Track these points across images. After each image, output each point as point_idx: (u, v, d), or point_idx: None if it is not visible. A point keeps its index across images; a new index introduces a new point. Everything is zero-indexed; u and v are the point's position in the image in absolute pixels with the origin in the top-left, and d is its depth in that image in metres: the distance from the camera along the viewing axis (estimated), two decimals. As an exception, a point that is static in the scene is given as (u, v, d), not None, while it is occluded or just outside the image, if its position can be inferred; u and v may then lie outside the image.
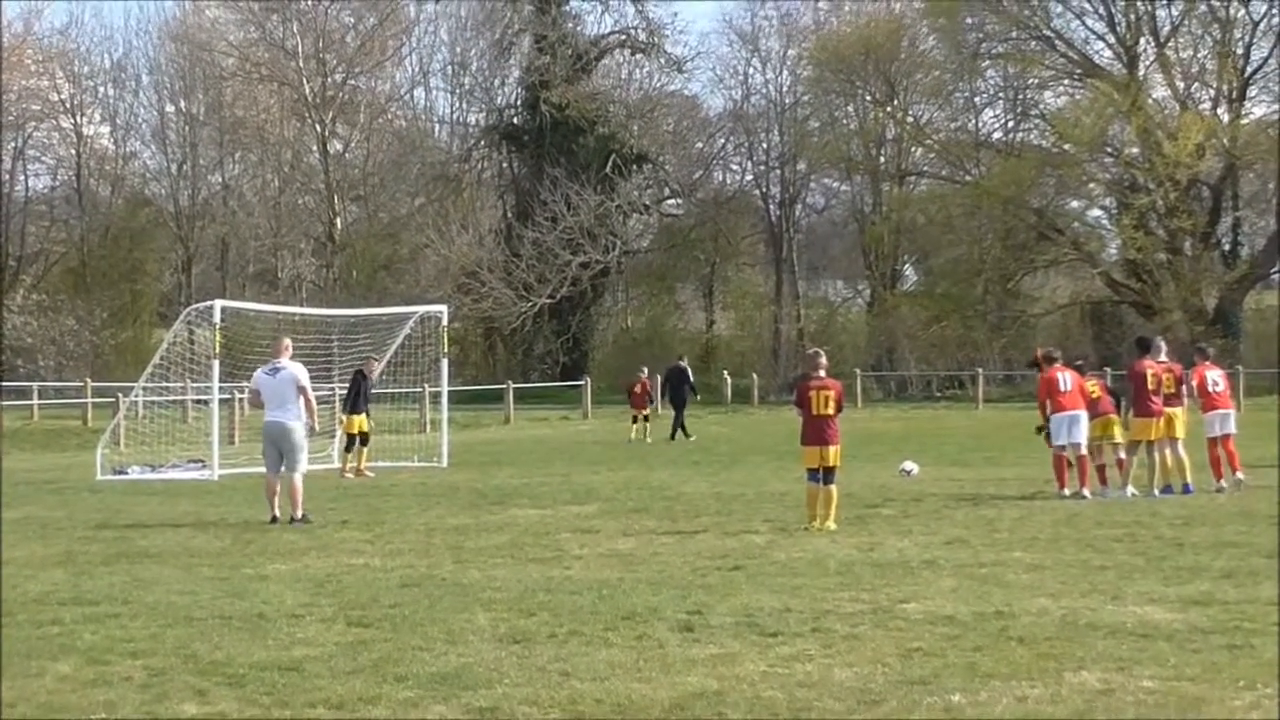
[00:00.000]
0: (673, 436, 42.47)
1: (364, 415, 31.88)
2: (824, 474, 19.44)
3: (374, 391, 33.95)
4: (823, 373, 19.93)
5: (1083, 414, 23.54)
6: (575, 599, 13.66)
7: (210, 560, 16.89)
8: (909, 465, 27.97)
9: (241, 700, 9.88)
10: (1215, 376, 25.15)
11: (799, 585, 14.35)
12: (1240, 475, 23.94)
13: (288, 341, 22.32)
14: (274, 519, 21.02)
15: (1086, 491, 23.01)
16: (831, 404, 19.60)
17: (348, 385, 33.14)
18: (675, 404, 43.67)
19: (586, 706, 9.58)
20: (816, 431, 19.56)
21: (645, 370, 45.43)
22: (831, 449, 19.50)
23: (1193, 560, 15.71)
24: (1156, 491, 23.01)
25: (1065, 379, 23.80)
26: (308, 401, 21.47)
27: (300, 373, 21.53)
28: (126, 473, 32.16)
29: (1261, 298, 76.53)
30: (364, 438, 31.72)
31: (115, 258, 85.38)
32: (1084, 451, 23.66)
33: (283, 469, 21.38)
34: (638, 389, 43.68)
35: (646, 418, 42.85)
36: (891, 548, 17.14)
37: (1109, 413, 24.22)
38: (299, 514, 21.01)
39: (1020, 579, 14.61)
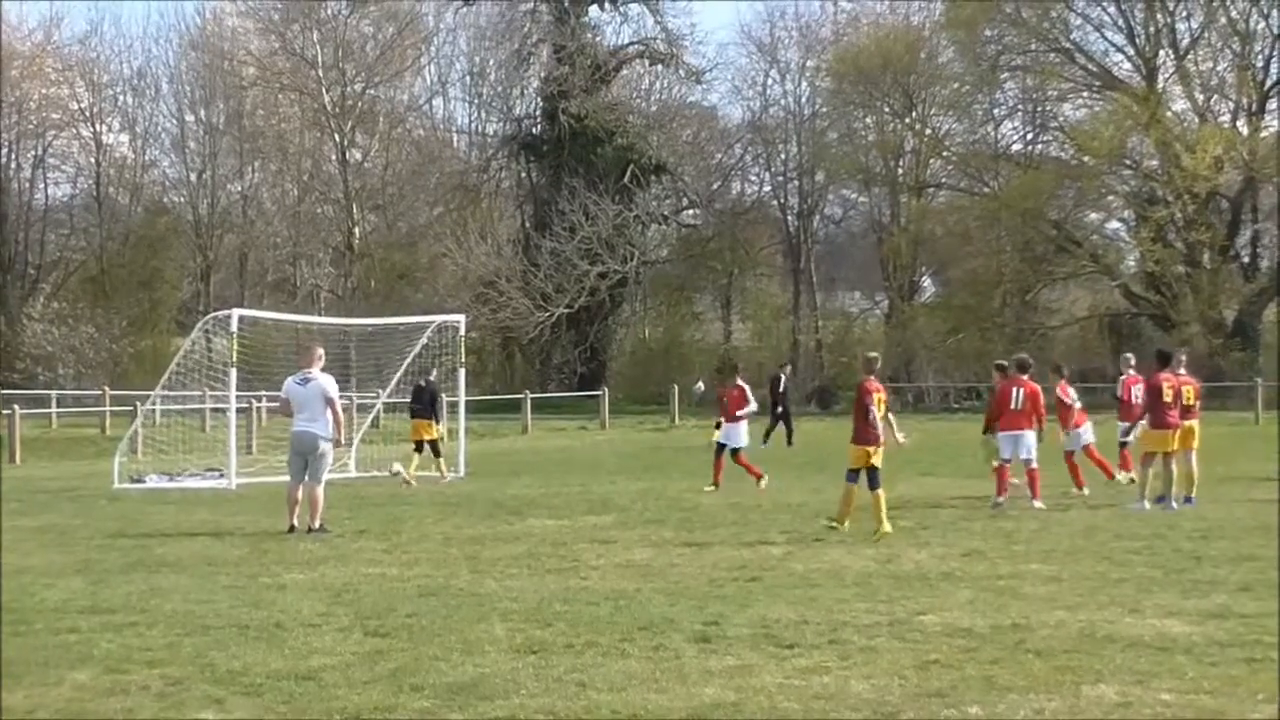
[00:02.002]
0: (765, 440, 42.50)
1: (433, 423, 32.49)
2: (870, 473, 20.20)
3: (388, 401, 34.13)
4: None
5: (1030, 433, 24.07)
6: (592, 609, 13.67)
7: (227, 569, 16.91)
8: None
9: (258, 709, 9.90)
10: (1138, 390, 25.57)
11: (816, 597, 14.34)
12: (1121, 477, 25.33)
13: (320, 351, 22.42)
14: (291, 528, 21.03)
15: (1038, 503, 23.42)
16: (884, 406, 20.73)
17: (418, 395, 33.32)
18: (778, 411, 43.90)
19: (603, 717, 9.58)
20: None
21: (738, 378, 45.83)
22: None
23: (1211, 573, 15.67)
24: (1175, 504, 22.98)
25: (1018, 395, 24.28)
26: (335, 414, 21.47)
27: (329, 384, 21.54)
28: (144, 481, 32.19)
29: (1281, 310, 76.31)
30: (434, 446, 32.15)
31: (134, 266, 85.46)
32: (1034, 465, 24.02)
33: (306, 478, 21.41)
34: (725, 397, 43.85)
35: (719, 425, 42.90)
36: (909, 559, 17.12)
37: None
38: (316, 524, 21.01)
39: (1038, 591, 14.59)
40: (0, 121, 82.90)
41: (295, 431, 21.68)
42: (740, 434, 28.57)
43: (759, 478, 27.76)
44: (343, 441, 22.62)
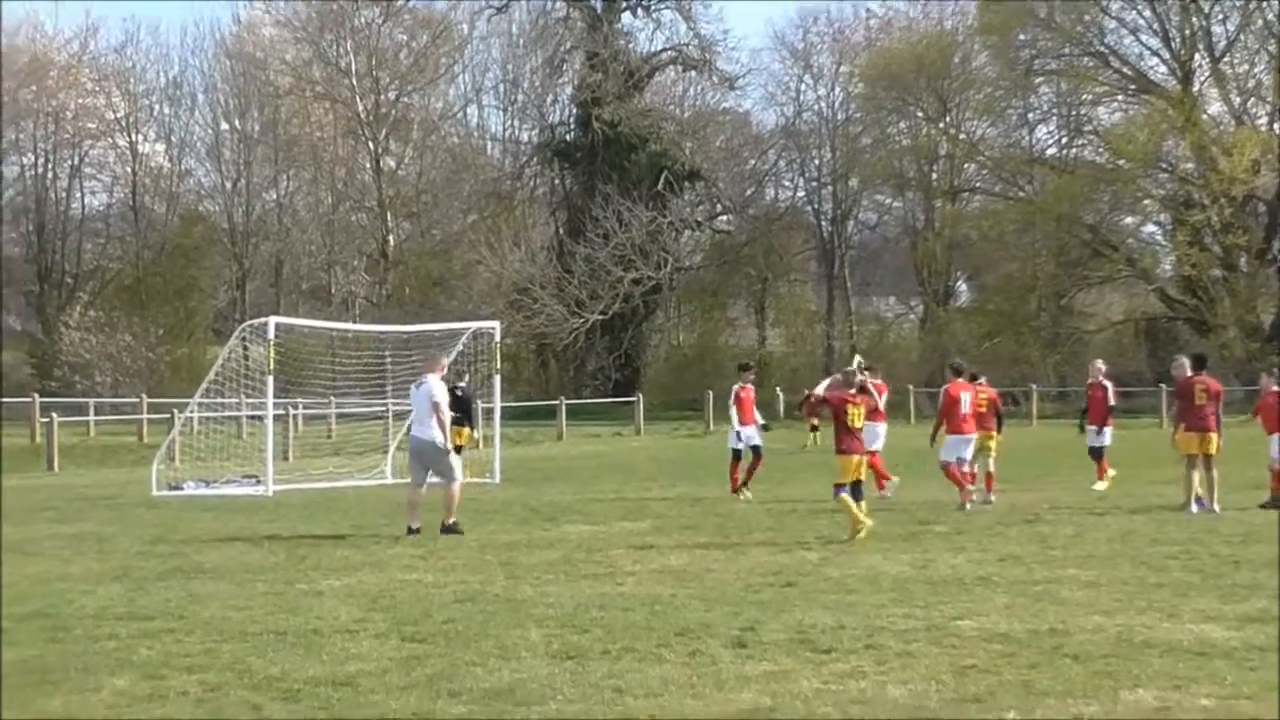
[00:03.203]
0: None
1: (466, 430, 32.80)
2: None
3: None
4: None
5: (974, 437, 24.84)
6: (628, 615, 13.66)
7: (265, 576, 16.95)
8: None
9: (296, 715, 9.92)
10: (968, 398, 25.44)
11: (852, 602, 14.32)
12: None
13: (444, 360, 23.14)
14: (410, 530, 21.35)
15: (993, 498, 24.71)
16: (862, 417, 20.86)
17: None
18: None
19: (640, 723, 9.57)
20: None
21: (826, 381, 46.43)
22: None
23: (1250, 578, 15.60)
24: (1194, 508, 22.91)
25: (965, 400, 24.87)
26: (438, 418, 21.73)
27: (436, 388, 21.83)
28: (181, 488, 32.27)
29: (1317, 314, 75.95)
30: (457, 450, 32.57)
31: (170, 274, 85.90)
32: (966, 468, 24.70)
33: (430, 480, 21.87)
34: (812, 400, 44.33)
35: (816, 427, 43.28)
36: (945, 564, 17.08)
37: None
38: (450, 521, 21.46)
39: (1075, 596, 14.54)
40: (35, 132, 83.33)
41: (410, 436, 22.55)
42: (878, 436, 26.79)
43: (886, 479, 26.84)
44: (448, 446, 22.72)
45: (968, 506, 23.83)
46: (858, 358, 22.11)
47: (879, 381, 27.57)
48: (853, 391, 20.82)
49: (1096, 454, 28.40)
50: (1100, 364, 29.91)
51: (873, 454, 25.15)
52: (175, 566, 17.95)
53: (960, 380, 25.44)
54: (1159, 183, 73.70)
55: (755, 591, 15.15)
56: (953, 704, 9.97)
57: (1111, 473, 27.95)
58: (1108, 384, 28.79)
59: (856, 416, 20.50)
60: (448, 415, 22.12)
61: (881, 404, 26.88)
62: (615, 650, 11.92)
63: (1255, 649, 11.66)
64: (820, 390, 21.44)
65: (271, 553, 19.47)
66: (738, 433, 27.88)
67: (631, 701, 10.13)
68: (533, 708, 9.98)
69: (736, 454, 27.83)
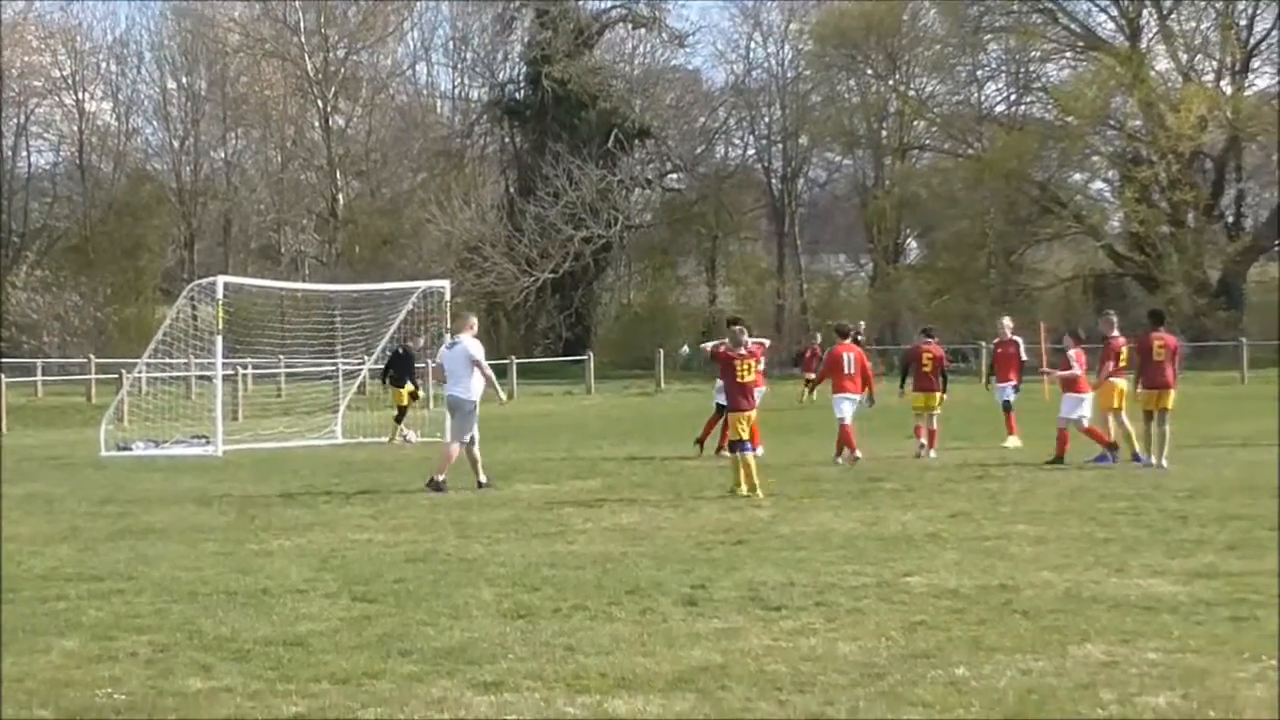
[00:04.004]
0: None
1: (407, 388, 33.58)
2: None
3: (374, 368, 34.50)
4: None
5: (858, 397, 25.48)
6: (579, 574, 13.68)
7: (214, 536, 16.91)
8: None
9: (246, 675, 9.90)
10: (851, 358, 26.00)
11: (802, 559, 14.37)
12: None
13: (473, 319, 23.35)
14: (480, 484, 21.97)
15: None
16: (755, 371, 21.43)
17: (387, 360, 34.35)
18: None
19: (591, 680, 9.59)
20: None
21: (819, 337, 49.27)
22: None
23: (1197, 533, 15.71)
24: (1146, 458, 23.25)
25: (850, 360, 25.56)
26: (484, 373, 22.35)
27: (473, 347, 22.34)
28: (130, 449, 32.18)
29: (1265, 270, 76.42)
30: (402, 410, 33.14)
31: (118, 234, 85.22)
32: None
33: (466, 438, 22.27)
34: (808, 354, 46.72)
35: (809, 382, 43.97)
36: (895, 521, 17.15)
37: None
38: (440, 477, 21.84)
39: (1024, 552, 14.62)
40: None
41: (445, 395, 23.19)
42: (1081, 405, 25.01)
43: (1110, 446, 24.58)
44: (503, 398, 24.06)
45: (839, 462, 24.79)
46: (738, 326, 22.22)
47: (759, 341, 27.86)
48: (741, 350, 21.21)
49: (1007, 408, 28.46)
50: (1008, 321, 30.11)
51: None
52: (124, 527, 17.89)
53: (846, 342, 26.20)
54: (1107, 139, 73.92)
55: (706, 549, 15.19)
56: (902, 660, 10.02)
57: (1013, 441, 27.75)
58: (1018, 340, 29.02)
59: (746, 372, 21.03)
60: (490, 370, 22.68)
61: (763, 365, 27.02)
62: (566, 608, 11.94)
63: (1202, 603, 11.75)
64: (707, 348, 22.33)
65: (221, 513, 19.44)
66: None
67: (583, 659, 10.15)
68: (484, 666, 9.98)
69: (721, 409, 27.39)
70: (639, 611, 11.78)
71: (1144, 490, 19.90)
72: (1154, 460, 23.12)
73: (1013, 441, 27.39)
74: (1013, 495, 19.71)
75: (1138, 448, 23.74)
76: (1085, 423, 24.48)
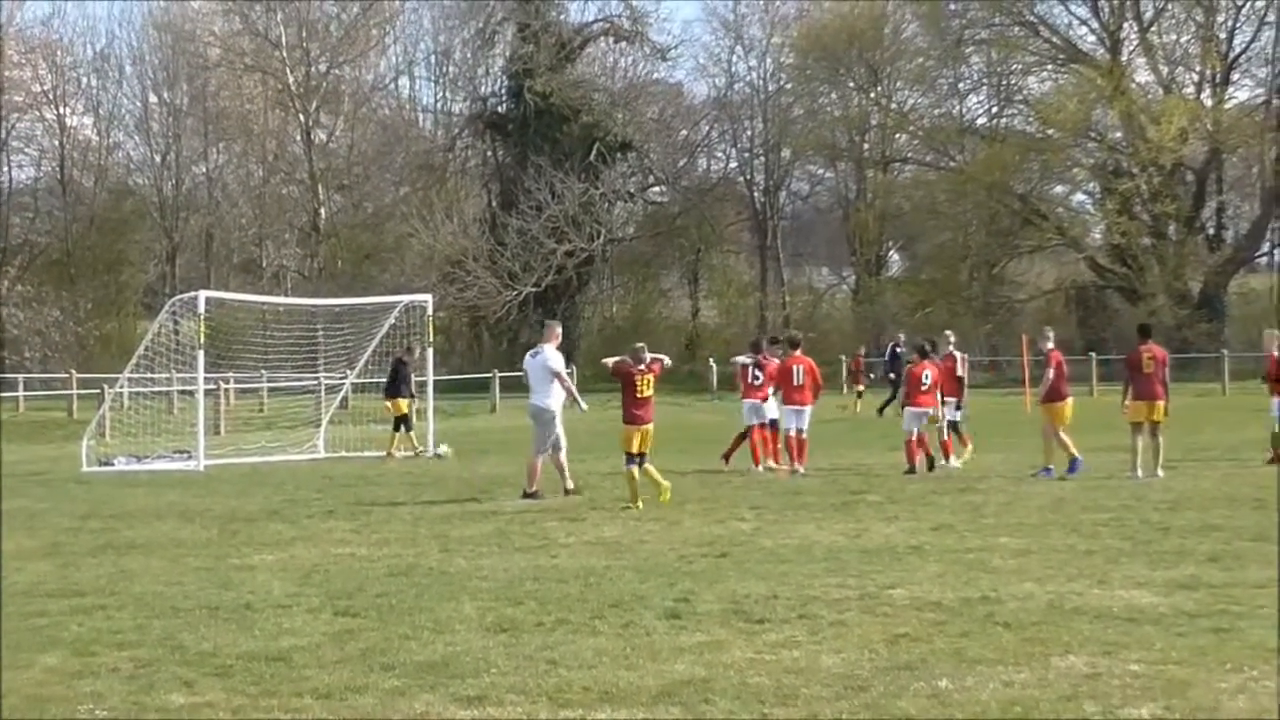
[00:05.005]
0: (881, 412, 43.90)
1: (407, 399, 33.70)
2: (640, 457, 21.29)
3: (356, 381, 34.40)
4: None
5: (807, 409, 26.14)
6: (562, 587, 13.68)
7: (197, 551, 16.88)
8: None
9: (229, 690, 9.88)
10: (800, 370, 26.48)
11: (785, 572, 14.37)
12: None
13: (558, 329, 23.80)
14: (567, 492, 22.36)
15: (801, 468, 25.56)
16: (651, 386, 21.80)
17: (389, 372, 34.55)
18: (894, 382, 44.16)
19: (574, 694, 9.59)
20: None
21: (864, 349, 51.20)
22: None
23: (1179, 544, 15.74)
24: (1139, 474, 23.21)
25: (798, 372, 26.20)
26: (562, 384, 22.80)
27: (552, 357, 22.80)
28: (112, 464, 32.12)
29: (1246, 281, 76.60)
30: (405, 421, 33.07)
31: (99, 249, 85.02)
32: (805, 436, 26.01)
33: (553, 449, 22.69)
34: (853, 365, 48.62)
35: (860, 393, 45.22)
36: (878, 534, 17.16)
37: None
38: (532, 489, 22.22)
39: (1006, 564, 14.64)
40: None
41: (528, 404, 23.41)
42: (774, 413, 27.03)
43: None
44: (584, 407, 24.14)
45: (757, 469, 25.86)
46: (640, 345, 22.37)
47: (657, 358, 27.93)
48: (641, 366, 21.61)
49: (953, 427, 27.71)
50: (949, 334, 30.07)
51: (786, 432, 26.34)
52: (106, 542, 17.86)
53: (796, 354, 26.67)
54: (1088, 151, 74.03)
55: (689, 562, 15.19)
56: (885, 672, 10.02)
57: (969, 450, 27.58)
58: (959, 355, 28.86)
59: (644, 386, 21.47)
60: (570, 382, 23.26)
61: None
62: (549, 622, 11.94)
63: (1184, 614, 11.78)
64: (609, 362, 22.48)
65: (204, 528, 19.40)
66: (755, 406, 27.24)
67: (565, 673, 10.14)
68: (467, 680, 9.98)
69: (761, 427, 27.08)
70: (622, 625, 11.78)
71: (1126, 502, 19.95)
72: (1141, 474, 23.14)
73: (954, 463, 26.63)
74: (995, 507, 19.73)
75: (1137, 461, 23.62)
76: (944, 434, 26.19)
